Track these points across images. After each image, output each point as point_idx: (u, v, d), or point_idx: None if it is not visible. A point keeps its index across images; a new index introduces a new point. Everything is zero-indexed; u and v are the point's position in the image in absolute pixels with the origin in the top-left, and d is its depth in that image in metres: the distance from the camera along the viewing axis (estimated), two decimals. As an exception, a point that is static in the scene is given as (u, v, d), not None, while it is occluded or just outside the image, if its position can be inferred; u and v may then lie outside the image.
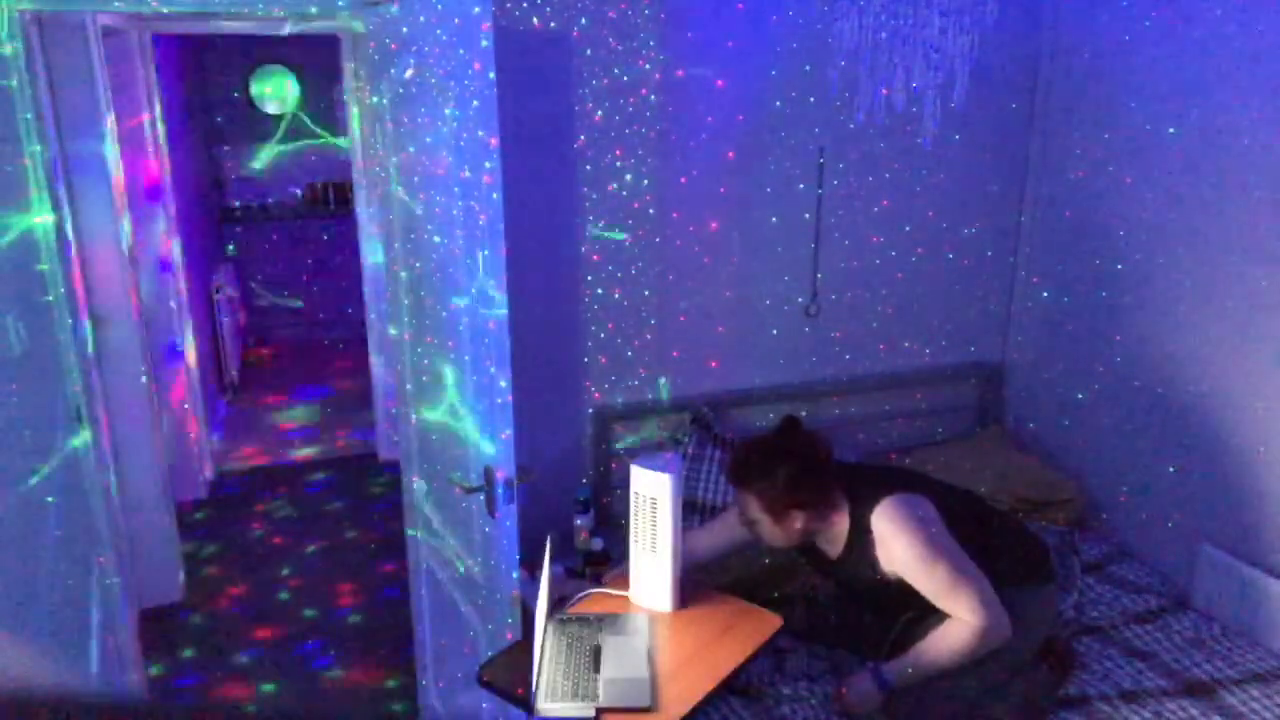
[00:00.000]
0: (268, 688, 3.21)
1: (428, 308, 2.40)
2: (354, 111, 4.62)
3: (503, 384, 2.01)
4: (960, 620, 2.08)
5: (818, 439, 2.20)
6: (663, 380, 2.99)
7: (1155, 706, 2.26)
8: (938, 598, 2.10)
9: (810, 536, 2.22)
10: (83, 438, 2.65)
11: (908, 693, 2.14)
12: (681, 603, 2.20)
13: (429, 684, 2.89)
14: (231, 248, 6.62)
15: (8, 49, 2.30)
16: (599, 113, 2.71)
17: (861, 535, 2.17)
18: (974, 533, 2.17)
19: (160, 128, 4.05)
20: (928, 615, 2.15)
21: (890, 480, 2.25)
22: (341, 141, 6.49)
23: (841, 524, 2.19)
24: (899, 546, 2.11)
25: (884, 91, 2.41)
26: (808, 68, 2.86)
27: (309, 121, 6.83)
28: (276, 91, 6.72)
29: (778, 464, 2.14)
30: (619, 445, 2.98)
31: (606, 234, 2.81)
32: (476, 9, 1.83)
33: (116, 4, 2.46)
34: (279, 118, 6.78)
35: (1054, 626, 2.35)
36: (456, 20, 1.92)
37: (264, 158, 6.85)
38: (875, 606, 2.34)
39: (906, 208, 3.12)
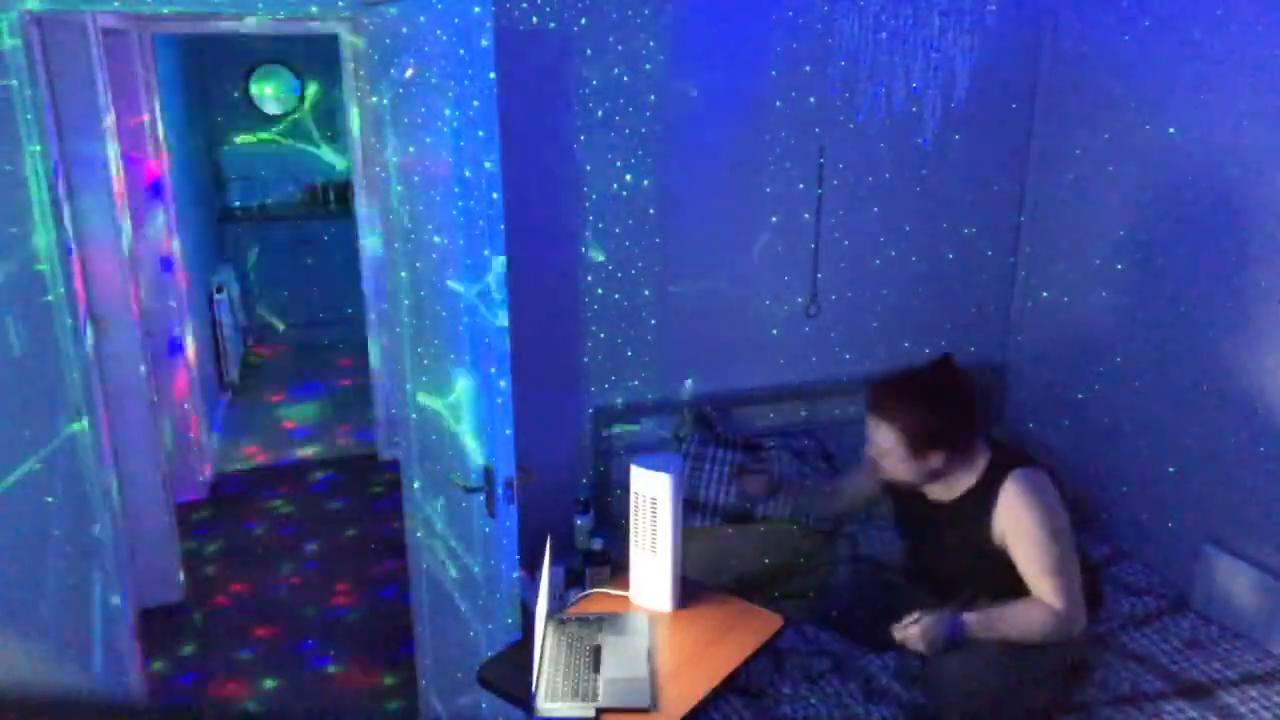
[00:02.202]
0: (267, 684, 3.21)
1: (428, 308, 2.40)
2: (354, 111, 4.62)
3: (503, 384, 2.01)
4: (1044, 603, 2.10)
5: (970, 380, 2.19)
6: (662, 380, 2.99)
7: (1154, 709, 2.26)
8: (1037, 576, 2.11)
9: (933, 477, 2.21)
10: (83, 438, 2.65)
11: (947, 665, 2.14)
12: (681, 603, 2.20)
13: (429, 684, 2.89)
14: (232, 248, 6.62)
15: (8, 49, 2.30)
16: (599, 113, 2.71)
17: (987, 490, 2.17)
18: None
19: (160, 128, 4.05)
20: (978, 599, 2.16)
21: (1024, 455, 2.26)
22: (337, 162, 6.53)
23: (970, 473, 2.20)
24: (1029, 516, 2.12)
25: (884, 91, 2.41)
26: (808, 68, 2.86)
27: (309, 121, 6.83)
28: (276, 91, 6.73)
29: (927, 400, 2.15)
30: (619, 445, 2.98)
31: (612, 219, 2.80)
32: (476, 9, 1.83)
33: (116, 4, 2.46)
34: (279, 117, 6.79)
35: (1085, 649, 2.35)
36: (456, 20, 1.92)
37: (270, 164, 6.84)
38: (938, 570, 2.33)
39: (906, 208, 3.12)
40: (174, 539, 3.69)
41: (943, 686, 2.17)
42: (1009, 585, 2.16)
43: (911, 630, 2.08)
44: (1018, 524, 2.14)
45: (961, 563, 2.23)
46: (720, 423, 3.00)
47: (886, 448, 2.20)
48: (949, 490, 2.24)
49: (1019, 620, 2.11)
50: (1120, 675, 2.38)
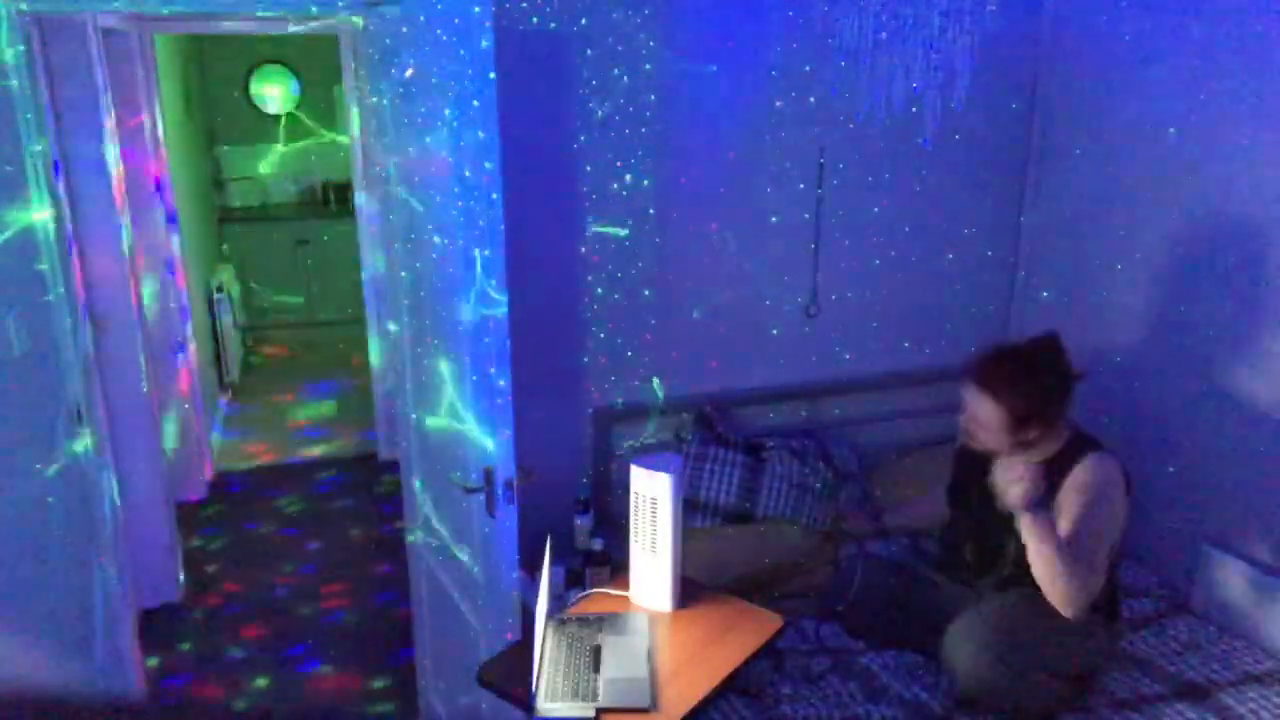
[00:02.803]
0: (260, 684, 3.21)
1: (428, 308, 2.40)
2: (354, 111, 4.62)
3: (502, 384, 2.01)
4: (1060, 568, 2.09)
5: (1070, 359, 2.23)
6: (658, 380, 2.99)
7: (1153, 711, 2.26)
8: (1074, 544, 2.12)
9: (1021, 448, 2.24)
10: (83, 438, 2.65)
11: (953, 661, 2.16)
12: (681, 603, 2.20)
13: (429, 684, 2.89)
14: (230, 248, 6.62)
15: (8, 50, 2.30)
16: (599, 113, 2.71)
17: (1061, 466, 2.21)
18: None
19: (160, 128, 4.05)
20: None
21: (1103, 443, 2.30)
22: (341, 138, 6.49)
23: (1048, 447, 2.25)
24: (1084, 498, 2.15)
25: (884, 92, 2.41)
26: (808, 68, 2.86)
27: (309, 121, 6.83)
28: (277, 91, 6.73)
29: (1035, 379, 2.19)
30: (619, 445, 2.98)
31: (608, 229, 2.80)
32: (476, 9, 1.83)
33: (116, 4, 2.46)
34: (279, 117, 6.79)
35: (1100, 657, 2.34)
36: (456, 20, 1.92)
37: (268, 161, 6.85)
38: (983, 542, 2.36)
39: (906, 208, 3.12)
40: (174, 539, 3.70)
41: (955, 671, 2.18)
42: None
43: (1015, 474, 2.04)
44: (1071, 500, 2.17)
45: (1013, 536, 2.23)
46: (721, 422, 3.00)
47: (984, 419, 2.22)
48: (1028, 458, 2.26)
49: (1051, 559, 2.09)
50: (1119, 677, 2.38)
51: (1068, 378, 2.22)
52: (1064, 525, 2.16)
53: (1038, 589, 2.13)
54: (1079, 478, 2.20)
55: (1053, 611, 2.12)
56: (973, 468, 2.41)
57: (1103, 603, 2.26)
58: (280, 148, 6.88)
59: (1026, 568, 2.15)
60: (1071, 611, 2.10)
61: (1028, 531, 2.09)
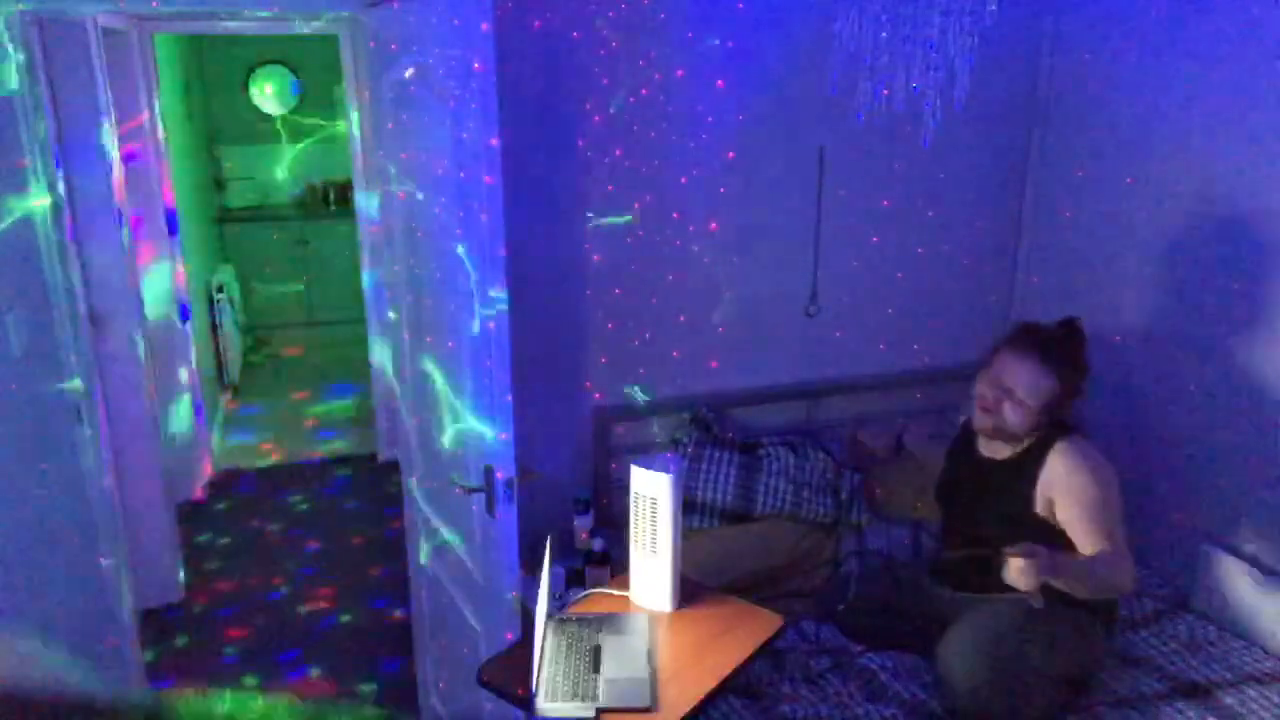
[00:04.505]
0: (257, 684, 3.21)
1: (428, 308, 2.40)
2: (354, 112, 4.62)
3: (503, 384, 2.01)
4: (1108, 555, 2.09)
5: None
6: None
7: (1153, 712, 2.25)
8: (1087, 534, 2.13)
9: (1028, 432, 2.25)
10: (83, 437, 2.65)
11: (953, 665, 2.15)
12: (681, 603, 2.20)
13: (429, 684, 2.89)
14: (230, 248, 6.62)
15: (8, 50, 2.30)
16: (599, 113, 2.71)
17: (1035, 453, 2.24)
18: None
19: (160, 128, 4.05)
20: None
21: (1077, 427, 2.30)
22: (341, 136, 6.48)
23: (1032, 435, 2.26)
24: (1078, 479, 2.16)
25: (884, 91, 2.41)
26: (808, 68, 2.86)
27: (309, 121, 6.83)
28: (276, 91, 6.73)
29: (1083, 358, 2.22)
30: (619, 445, 2.98)
31: (608, 228, 2.80)
32: (477, 9, 1.83)
33: (116, 4, 2.45)
34: (279, 118, 6.79)
35: (1099, 658, 2.35)
36: (456, 20, 1.92)
37: (268, 161, 6.85)
38: (973, 537, 2.36)
39: (906, 208, 3.12)
40: (174, 539, 3.70)
41: (949, 687, 2.17)
42: None
43: (1017, 564, 1.94)
44: (1067, 488, 2.18)
45: (999, 529, 2.23)
46: (717, 423, 3.00)
47: (1026, 394, 2.20)
48: (1008, 449, 2.30)
49: (1100, 569, 2.09)
50: (1119, 676, 2.38)
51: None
52: (1074, 522, 2.15)
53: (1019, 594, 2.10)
54: (1055, 471, 2.21)
55: (1043, 616, 2.10)
56: (964, 467, 2.42)
57: (1100, 604, 2.26)
58: (280, 148, 6.87)
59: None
60: (1129, 587, 2.13)
61: (1061, 585, 2.05)
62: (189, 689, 3.20)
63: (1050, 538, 2.16)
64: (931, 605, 2.43)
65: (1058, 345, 2.24)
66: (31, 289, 2.45)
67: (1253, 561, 2.58)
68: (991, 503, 2.33)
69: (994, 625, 2.19)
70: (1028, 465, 2.26)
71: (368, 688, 3.21)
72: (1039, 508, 2.24)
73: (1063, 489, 2.19)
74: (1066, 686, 2.26)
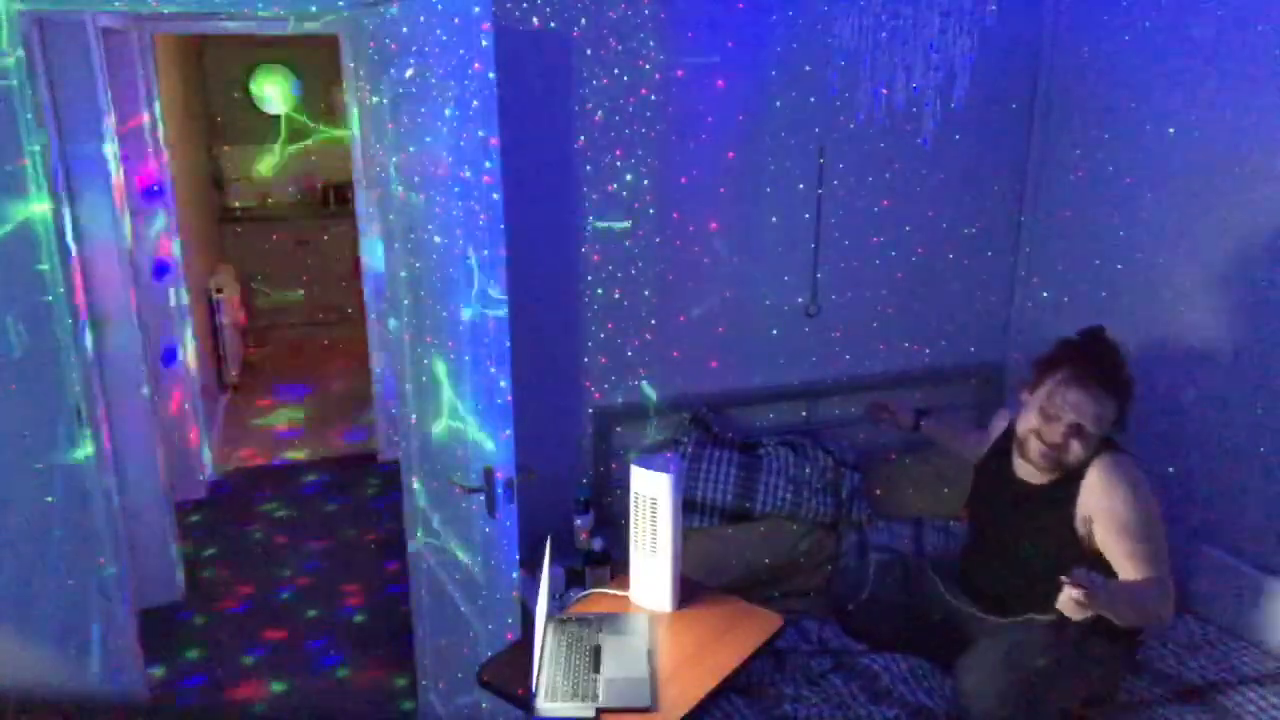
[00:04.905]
0: (267, 687, 3.21)
1: (428, 308, 2.40)
2: (354, 111, 4.62)
3: (503, 384, 2.01)
4: (1151, 585, 2.04)
5: None
6: (646, 384, 2.98)
7: (1152, 714, 2.25)
8: (1127, 558, 2.07)
9: (1079, 461, 2.17)
10: (83, 438, 2.65)
11: (969, 682, 2.12)
12: (681, 603, 2.20)
13: (429, 684, 2.89)
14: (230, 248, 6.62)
15: (8, 50, 2.30)
16: (599, 113, 2.71)
17: (1075, 472, 2.17)
18: None
19: (160, 128, 4.05)
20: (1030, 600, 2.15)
21: (1113, 442, 2.24)
22: (341, 136, 6.48)
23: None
24: (1116, 497, 2.09)
25: (884, 91, 2.41)
26: (808, 68, 2.86)
27: (309, 121, 6.83)
28: (277, 91, 6.73)
29: (1127, 369, 2.17)
30: (619, 445, 2.98)
31: (608, 228, 2.80)
32: (476, 9, 1.83)
33: (116, 4, 2.46)
34: (279, 117, 6.79)
35: (1116, 681, 2.31)
36: (456, 20, 1.92)
37: (268, 161, 6.85)
38: (1010, 557, 2.30)
39: (906, 208, 3.12)
40: (173, 539, 3.70)
41: (969, 713, 2.13)
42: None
43: (1074, 594, 1.83)
44: (1104, 507, 2.12)
45: (1041, 549, 2.18)
46: (716, 423, 3.00)
47: (1092, 425, 2.14)
48: (1046, 474, 2.23)
49: (1140, 596, 2.03)
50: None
51: None
52: (1112, 544, 2.09)
53: (1054, 618, 2.06)
54: (1094, 490, 2.14)
55: (1073, 642, 2.08)
56: (998, 485, 2.34)
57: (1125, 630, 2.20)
58: (280, 148, 6.87)
59: (1044, 599, 2.07)
60: (1169, 618, 2.09)
61: (1109, 614, 1.96)
62: (188, 689, 3.20)
63: (1093, 562, 2.10)
64: (947, 614, 2.39)
65: (1112, 366, 2.17)
66: (31, 289, 2.45)
67: (1253, 562, 2.57)
68: (1030, 528, 2.24)
69: (1021, 655, 2.12)
70: (1069, 485, 2.18)
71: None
72: (1079, 526, 2.17)
73: (1100, 508, 2.12)
74: (1082, 705, 2.24)
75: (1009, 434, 2.37)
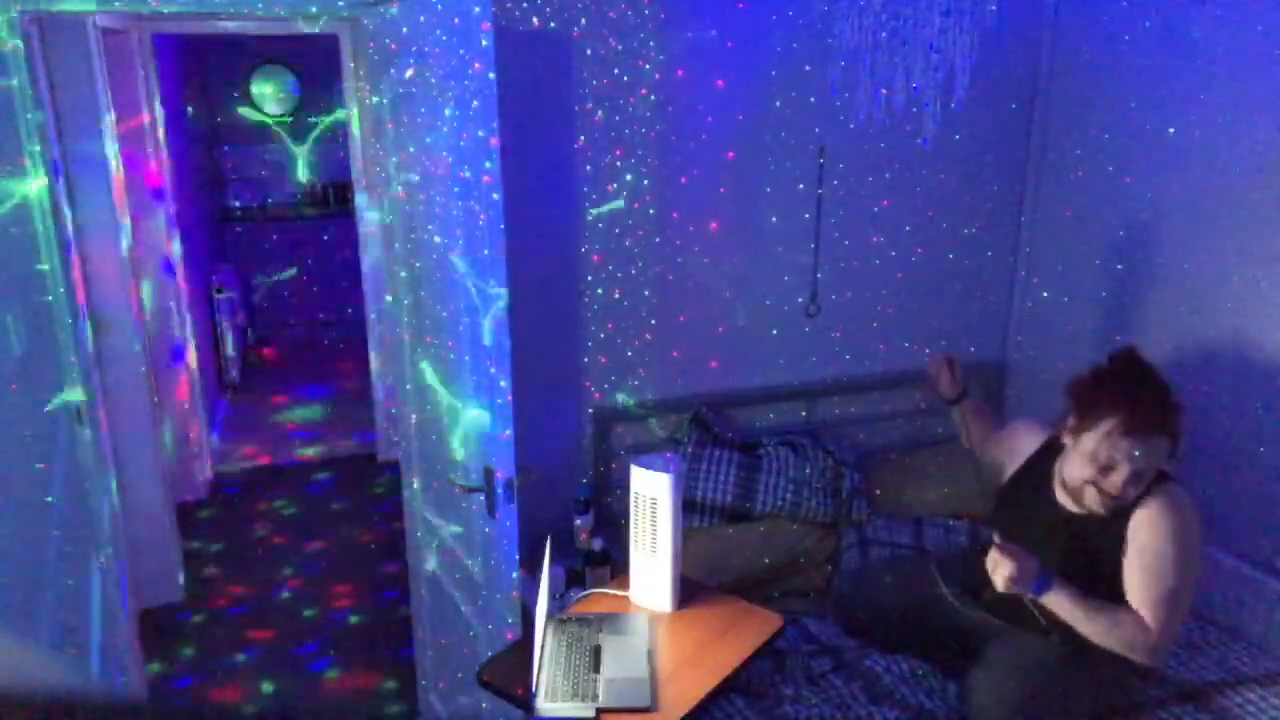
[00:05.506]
0: (267, 688, 3.20)
1: (428, 308, 2.40)
2: (354, 111, 4.62)
3: (503, 384, 2.01)
4: (1141, 623, 2.01)
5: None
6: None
7: (1151, 714, 2.24)
8: (1142, 594, 2.02)
9: (1134, 497, 2.08)
10: (83, 438, 2.65)
11: (979, 686, 2.10)
12: (681, 603, 2.20)
13: (429, 684, 2.89)
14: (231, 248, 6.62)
15: (8, 49, 2.29)
16: (599, 113, 2.71)
17: (1126, 508, 2.08)
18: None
19: (160, 128, 4.05)
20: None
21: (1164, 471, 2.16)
22: (340, 127, 6.47)
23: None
24: (1163, 533, 2.01)
25: (884, 91, 2.41)
26: (808, 68, 2.86)
27: (309, 121, 6.83)
28: (276, 91, 6.73)
29: (1173, 396, 2.07)
30: (619, 445, 2.98)
31: (607, 228, 2.80)
32: (476, 9, 1.83)
33: (116, 4, 2.46)
34: (279, 117, 6.79)
35: (1130, 699, 2.27)
36: (456, 20, 1.92)
37: (269, 161, 6.85)
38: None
39: (906, 208, 3.12)
40: (174, 539, 3.70)
41: (975, 708, 2.11)
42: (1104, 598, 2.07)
43: (1005, 566, 1.90)
44: (1143, 536, 2.04)
45: (1088, 578, 2.09)
46: (716, 423, 3.00)
47: (1149, 463, 2.04)
48: (1091, 504, 2.13)
49: (1108, 622, 2.00)
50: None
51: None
52: (1136, 573, 2.04)
53: (1072, 638, 2.05)
54: (1147, 521, 2.05)
55: (1088, 664, 2.05)
56: (1035, 507, 2.27)
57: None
58: (280, 148, 6.87)
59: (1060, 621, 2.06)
60: (1153, 661, 2.04)
61: (1059, 608, 1.98)
62: (187, 689, 3.20)
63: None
64: (950, 616, 2.34)
65: (1160, 406, 2.07)
66: (31, 290, 2.45)
67: (1252, 562, 2.57)
68: (1078, 559, 2.13)
69: (1034, 671, 2.09)
70: (1120, 520, 2.09)
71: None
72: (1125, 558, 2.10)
73: (1140, 537, 2.06)
74: (1093, 716, 2.21)
75: (1044, 454, 2.30)
